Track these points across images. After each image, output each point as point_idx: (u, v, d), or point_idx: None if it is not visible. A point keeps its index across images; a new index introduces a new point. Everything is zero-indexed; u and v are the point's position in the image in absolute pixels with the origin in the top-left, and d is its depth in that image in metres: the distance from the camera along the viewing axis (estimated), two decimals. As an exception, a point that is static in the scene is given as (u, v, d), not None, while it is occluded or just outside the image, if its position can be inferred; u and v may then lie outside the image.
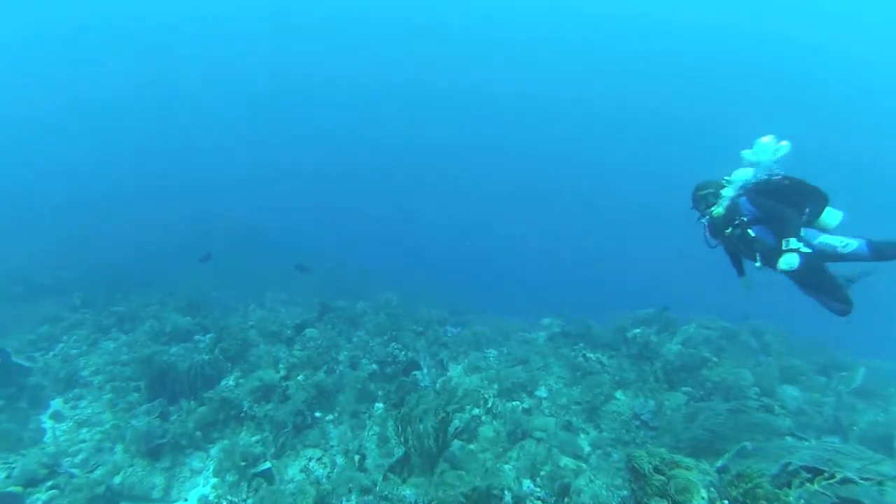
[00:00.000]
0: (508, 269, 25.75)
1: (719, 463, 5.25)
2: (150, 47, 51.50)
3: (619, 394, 8.22)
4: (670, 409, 7.48)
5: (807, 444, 5.87)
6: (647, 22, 48.67)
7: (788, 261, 4.08)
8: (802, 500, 3.57)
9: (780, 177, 4.60)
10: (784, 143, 4.65)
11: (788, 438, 6.31)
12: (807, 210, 4.42)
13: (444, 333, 12.28)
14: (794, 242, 4.10)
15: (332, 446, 7.52)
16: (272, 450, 7.15)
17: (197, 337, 10.39)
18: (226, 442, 7.38)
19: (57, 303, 11.22)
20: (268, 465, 6.80)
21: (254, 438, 7.53)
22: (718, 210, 4.80)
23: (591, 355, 9.34)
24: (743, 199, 4.67)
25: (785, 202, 4.44)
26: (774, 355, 9.18)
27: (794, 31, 44.01)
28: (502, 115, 54.74)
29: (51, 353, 9.36)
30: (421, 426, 6.12)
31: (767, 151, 4.64)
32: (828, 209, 4.49)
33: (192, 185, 37.75)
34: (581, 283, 21.53)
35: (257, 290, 15.65)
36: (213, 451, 7.32)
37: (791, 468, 4.10)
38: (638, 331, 9.55)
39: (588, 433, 7.63)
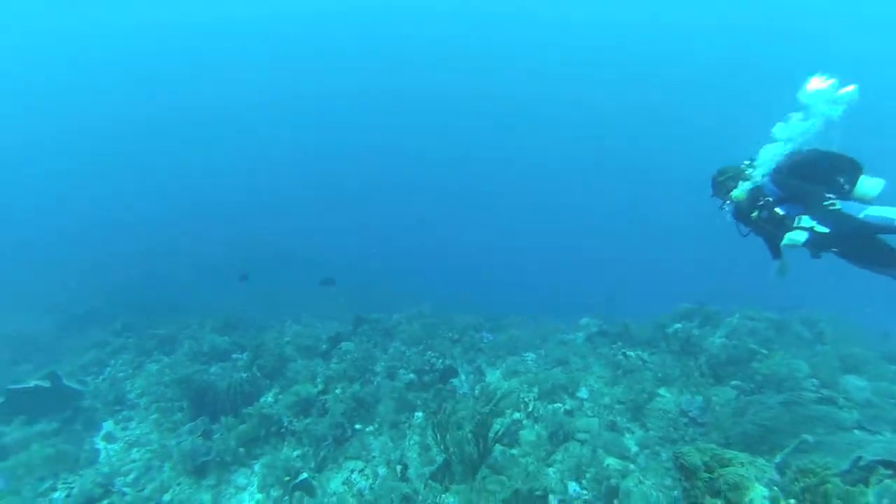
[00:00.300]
0: (540, 272, 25.45)
1: (778, 458, 4.94)
2: (171, 67, 52.99)
3: (662, 391, 7.93)
4: (719, 404, 7.15)
5: (881, 437, 5.45)
6: (653, 23, 47.69)
7: (793, 237, 3.98)
8: (886, 500, 3.13)
9: (804, 151, 4.28)
10: (850, 87, 3.99)
11: (857, 432, 5.85)
12: (841, 181, 4.05)
13: (479, 339, 12.19)
14: (806, 220, 3.96)
15: (373, 457, 7.50)
16: (312, 463, 7.17)
17: (235, 355, 10.60)
18: (268, 457, 7.46)
19: (102, 329, 11.66)
20: (304, 475, 6.83)
21: (295, 453, 7.58)
22: (739, 193, 4.58)
23: (631, 353, 9.07)
24: (765, 179, 4.42)
25: (811, 178, 4.13)
26: (831, 344, 8.64)
27: (796, 28, 42.33)
28: (519, 117, 54.28)
29: (100, 377, 9.71)
30: (459, 432, 6.03)
31: (822, 100, 4.05)
32: (863, 178, 4.05)
33: (222, 204, 38.76)
34: (615, 282, 21.06)
35: (292, 307, 15.92)
36: (257, 466, 7.39)
37: (863, 463, 3.73)
38: (679, 325, 9.23)
39: (634, 432, 7.37)
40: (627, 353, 9.10)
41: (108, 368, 9.99)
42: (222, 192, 42.90)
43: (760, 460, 3.95)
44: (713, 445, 3.94)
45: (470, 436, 6.06)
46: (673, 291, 15.68)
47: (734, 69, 47.38)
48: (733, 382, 7.50)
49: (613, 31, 50.20)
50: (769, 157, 4.47)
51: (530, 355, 10.89)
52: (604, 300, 15.23)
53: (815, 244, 4.09)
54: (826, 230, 3.93)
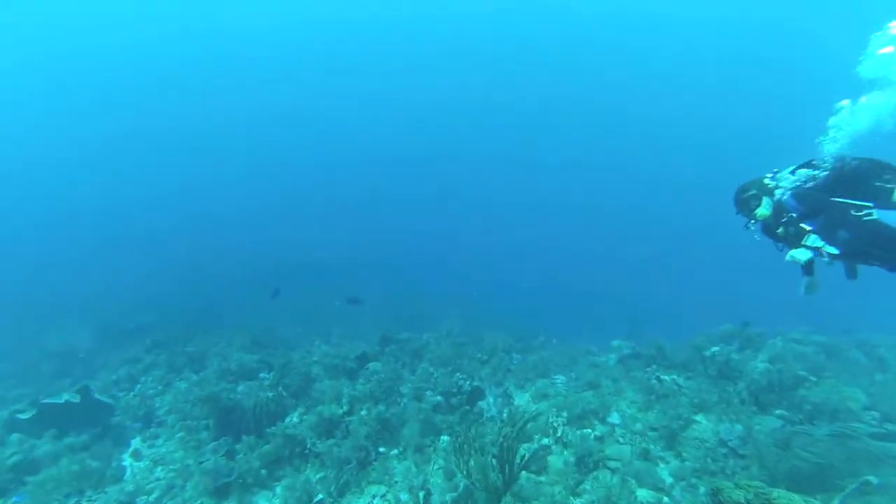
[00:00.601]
0: (572, 290, 24.82)
1: (835, 501, 4.48)
2: (192, 77, 53.62)
3: (699, 417, 7.49)
4: (762, 434, 6.67)
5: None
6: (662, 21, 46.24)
7: (794, 254, 3.94)
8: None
9: (829, 161, 4.00)
10: None
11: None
12: (875, 188, 3.72)
13: (509, 361, 11.92)
14: (813, 240, 3.81)
15: (395, 482, 7.32)
16: (333, 487, 7.03)
17: (262, 374, 10.66)
18: (290, 479, 7.38)
19: (137, 345, 11.96)
20: (320, 496, 6.70)
21: (318, 475, 7.48)
22: (763, 211, 4.34)
23: (666, 377, 8.64)
24: (788, 194, 4.17)
25: (840, 190, 3.85)
26: (894, 373, 8.00)
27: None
28: (544, 123, 53.43)
29: (131, 394, 9.90)
30: (483, 458, 5.80)
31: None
32: None
33: (251, 215, 39.57)
34: (649, 302, 20.31)
35: (323, 324, 16.00)
36: (279, 489, 7.32)
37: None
38: (716, 349, 8.76)
39: (668, 462, 6.96)
40: (662, 376, 8.68)
41: (139, 385, 10.18)
42: (249, 203, 43.84)
43: (815, 502, 3.58)
44: (757, 482, 3.61)
45: (494, 462, 5.82)
46: (713, 309, 15.06)
47: (768, 71, 45.64)
48: (778, 411, 7.00)
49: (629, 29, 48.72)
50: (788, 170, 4.26)
51: (560, 378, 10.55)
52: (633, 319, 14.67)
53: (850, 257, 3.86)
54: (835, 251, 3.76)
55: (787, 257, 4.00)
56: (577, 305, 20.63)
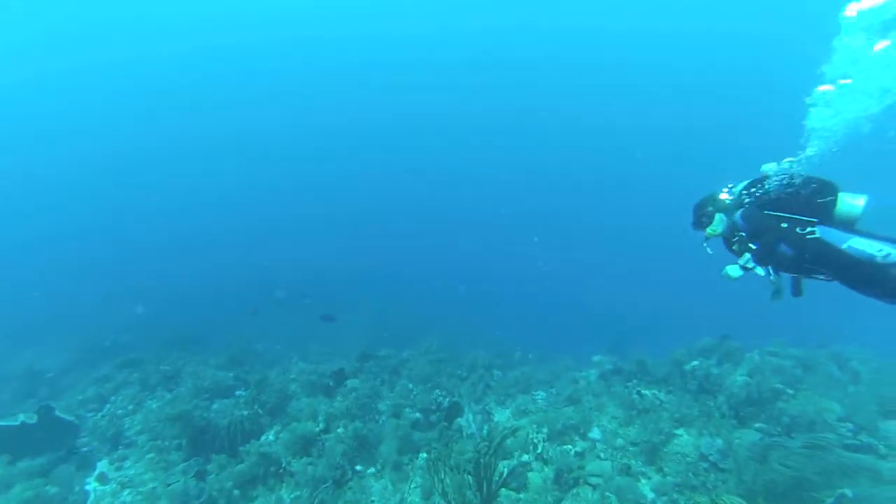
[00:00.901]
0: (553, 304, 24.79)
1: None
2: (173, 94, 53.15)
3: (680, 432, 7.44)
4: (742, 447, 6.64)
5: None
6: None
7: (729, 270, 4.12)
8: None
9: (777, 179, 4.08)
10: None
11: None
12: (819, 208, 3.83)
13: (490, 377, 11.80)
14: (745, 259, 4.04)
15: (372, 501, 7.12)
16: (309, 508, 6.80)
17: (238, 392, 10.36)
18: (265, 499, 7.12)
19: (109, 363, 11.54)
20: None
21: (293, 495, 7.23)
22: (713, 229, 4.46)
23: (647, 392, 8.60)
24: (738, 213, 4.26)
25: (785, 207, 3.95)
26: (867, 385, 8.02)
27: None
28: (524, 136, 53.71)
29: (99, 414, 9.53)
30: (459, 476, 5.65)
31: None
32: (842, 200, 3.79)
33: (233, 231, 38.99)
34: (629, 316, 20.33)
35: (303, 342, 15.70)
36: (252, 510, 7.06)
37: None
38: (696, 363, 8.75)
39: (650, 477, 6.88)
40: (643, 391, 8.64)
41: (108, 405, 9.81)
42: (233, 220, 43.21)
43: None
44: (735, 497, 3.56)
45: (471, 480, 5.68)
46: (695, 323, 15.14)
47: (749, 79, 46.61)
48: (757, 425, 6.99)
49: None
50: (742, 185, 4.32)
51: (541, 393, 10.45)
52: (615, 333, 14.71)
53: (792, 272, 4.01)
54: (761, 272, 4.00)
55: (722, 273, 4.15)
56: (557, 320, 20.61)
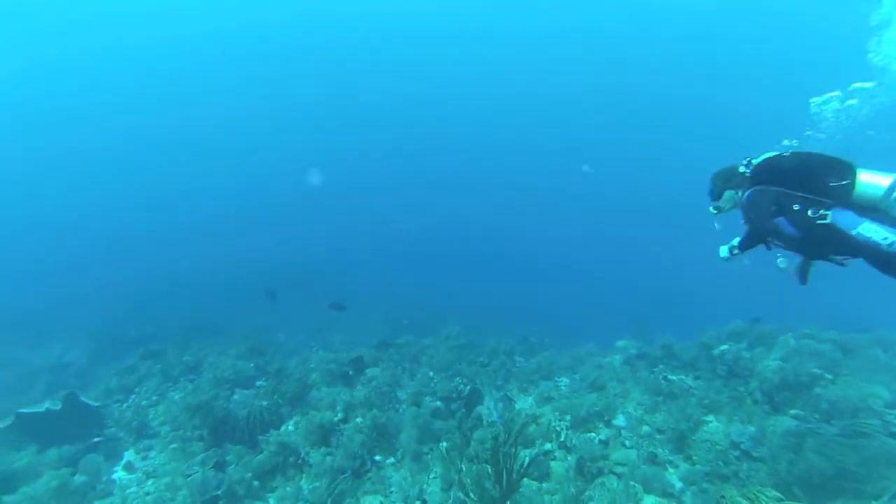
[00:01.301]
0: (577, 289, 24.36)
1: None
2: (186, 80, 52.60)
3: (710, 418, 7.12)
4: (776, 435, 6.29)
5: None
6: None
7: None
8: None
9: (786, 155, 3.75)
10: None
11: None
12: (829, 188, 3.46)
13: (512, 364, 11.61)
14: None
15: (392, 492, 7.02)
16: (327, 499, 6.73)
17: (259, 382, 10.40)
18: (285, 490, 7.09)
19: (133, 354, 11.72)
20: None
21: (313, 485, 7.18)
22: (720, 205, 4.22)
23: (674, 377, 8.29)
24: (747, 193, 3.94)
25: (793, 186, 3.62)
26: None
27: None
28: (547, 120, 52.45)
29: (124, 405, 9.67)
30: (477, 466, 5.49)
31: None
32: (860, 181, 3.39)
33: (251, 220, 39.16)
34: (654, 299, 19.81)
35: (325, 331, 15.75)
36: (272, 500, 7.04)
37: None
38: (725, 347, 8.38)
39: (677, 466, 6.61)
40: (669, 376, 8.32)
41: (133, 396, 9.94)
42: (248, 209, 43.53)
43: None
44: (768, 490, 3.29)
45: (490, 470, 5.50)
46: (725, 305, 14.63)
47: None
48: (793, 411, 6.62)
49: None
50: (762, 158, 3.97)
51: (564, 380, 10.23)
52: (640, 318, 14.30)
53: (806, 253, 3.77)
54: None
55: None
56: (579, 305, 20.23)
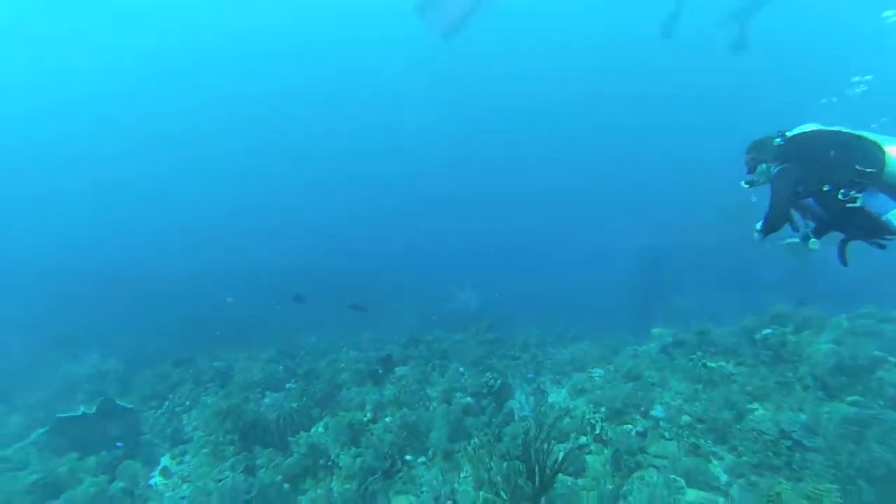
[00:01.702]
0: (607, 278, 23.62)
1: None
2: (204, 79, 49.87)
3: (755, 406, 6.70)
4: (833, 423, 5.83)
5: None
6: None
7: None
8: None
9: (808, 132, 3.57)
10: None
11: None
12: (855, 168, 3.24)
13: (544, 356, 11.35)
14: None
15: (423, 492, 6.86)
16: (359, 502, 6.62)
17: (288, 385, 10.42)
18: (315, 492, 7.02)
19: (166, 362, 11.95)
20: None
21: (344, 487, 7.09)
22: (754, 179, 3.96)
23: (713, 364, 7.86)
24: (776, 168, 3.73)
25: (824, 165, 3.38)
26: None
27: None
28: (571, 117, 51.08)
29: (159, 411, 9.82)
30: (507, 463, 5.26)
31: None
32: (889, 157, 3.18)
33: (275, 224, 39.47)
34: (690, 282, 18.90)
35: (354, 331, 15.76)
36: (303, 503, 6.98)
37: None
38: (769, 331, 7.90)
39: (722, 458, 6.23)
40: (708, 363, 7.90)
41: (167, 402, 10.10)
42: (275, 214, 43.88)
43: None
44: (826, 485, 2.96)
45: (521, 466, 5.27)
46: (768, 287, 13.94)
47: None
48: (851, 398, 6.13)
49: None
50: (797, 130, 3.72)
51: (598, 371, 9.89)
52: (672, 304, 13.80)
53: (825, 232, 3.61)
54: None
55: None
56: (611, 296, 19.63)
